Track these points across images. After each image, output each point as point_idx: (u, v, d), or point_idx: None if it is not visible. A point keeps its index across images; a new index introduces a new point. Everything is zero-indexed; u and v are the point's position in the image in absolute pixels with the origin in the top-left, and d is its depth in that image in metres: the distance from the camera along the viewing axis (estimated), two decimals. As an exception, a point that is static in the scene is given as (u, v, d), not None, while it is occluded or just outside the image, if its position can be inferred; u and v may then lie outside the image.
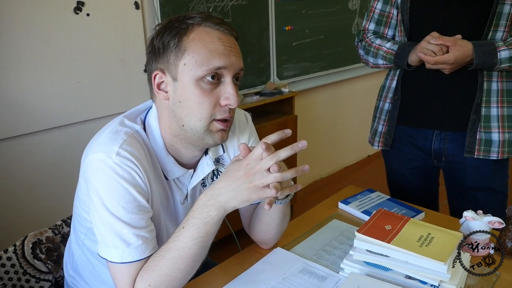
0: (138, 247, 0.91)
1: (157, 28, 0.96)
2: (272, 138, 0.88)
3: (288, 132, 0.88)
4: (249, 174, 0.87)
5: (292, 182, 1.01)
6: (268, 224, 1.10)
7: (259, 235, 1.15)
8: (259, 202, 1.12)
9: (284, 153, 0.86)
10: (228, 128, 0.98)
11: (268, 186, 0.87)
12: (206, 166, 1.06)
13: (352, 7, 3.34)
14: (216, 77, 0.92)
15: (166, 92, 0.95)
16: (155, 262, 0.92)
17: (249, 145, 0.93)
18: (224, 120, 0.95)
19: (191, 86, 0.91)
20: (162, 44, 0.93)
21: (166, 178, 1.02)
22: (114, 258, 0.91)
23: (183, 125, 0.95)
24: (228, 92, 0.93)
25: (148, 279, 0.91)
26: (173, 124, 0.97)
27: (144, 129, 0.99)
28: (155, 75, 0.95)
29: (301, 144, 0.86)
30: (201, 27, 0.92)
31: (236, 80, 0.96)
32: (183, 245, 0.91)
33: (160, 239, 0.99)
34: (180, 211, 1.06)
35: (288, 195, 1.03)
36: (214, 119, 0.94)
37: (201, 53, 0.90)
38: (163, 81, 0.95)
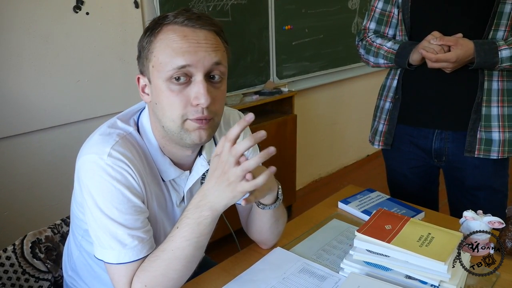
0: (134, 248, 0.91)
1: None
2: (234, 131, 0.83)
3: (249, 118, 0.82)
4: (225, 172, 0.84)
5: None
6: (261, 226, 1.10)
7: (255, 235, 1.15)
8: None
9: (243, 145, 0.82)
10: (208, 127, 0.93)
11: (244, 179, 0.84)
12: (200, 166, 1.05)
13: (352, 7, 3.33)
14: (185, 77, 0.89)
15: (148, 94, 0.95)
16: (150, 263, 0.92)
17: None
18: (200, 119, 0.91)
19: (162, 88, 0.90)
20: (139, 47, 0.94)
21: (163, 180, 1.02)
22: (111, 259, 0.91)
23: (163, 126, 0.94)
24: (196, 91, 0.89)
25: (144, 279, 0.91)
26: (158, 126, 0.96)
27: (138, 130, 0.99)
28: (138, 78, 0.96)
29: (260, 134, 0.82)
30: (169, 26, 0.90)
31: (212, 78, 0.92)
32: (177, 245, 0.90)
33: (158, 240, 0.99)
34: (177, 213, 1.06)
35: (277, 200, 1.03)
36: (187, 119, 0.91)
37: (165, 53, 0.88)
38: (145, 84, 0.95)
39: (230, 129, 0.84)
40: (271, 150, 0.81)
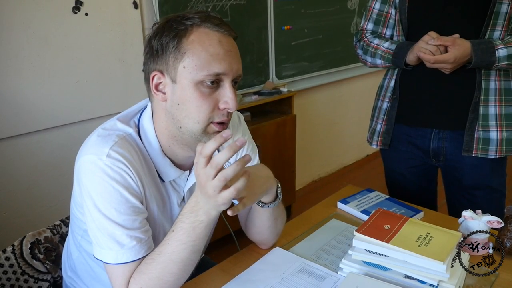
0: (132, 248, 0.91)
1: (155, 27, 0.94)
2: (209, 147, 0.82)
3: (226, 135, 0.81)
4: (203, 186, 0.84)
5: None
6: (260, 226, 1.10)
7: (254, 236, 1.15)
8: None
9: (222, 156, 0.81)
10: (225, 129, 0.97)
11: (223, 190, 0.83)
12: None
13: (351, 7, 3.34)
14: (215, 81, 0.91)
15: (164, 93, 0.94)
16: (146, 265, 0.92)
17: None
18: (221, 123, 0.94)
19: (190, 89, 0.91)
20: (160, 45, 0.91)
21: (163, 181, 1.02)
22: (109, 259, 0.91)
23: (180, 127, 0.94)
24: (227, 96, 0.92)
25: (140, 281, 0.91)
26: (170, 125, 0.96)
27: (139, 132, 0.99)
28: (154, 76, 0.94)
29: (239, 142, 0.81)
30: (201, 28, 0.91)
31: (234, 83, 0.95)
32: (173, 249, 0.90)
33: (157, 240, 0.99)
34: (177, 213, 1.06)
35: (276, 198, 1.04)
36: (211, 122, 0.93)
37: (201, 56, 0.89)
38: (161, 82, 0.94)
39: (206, 144, 0.83)
40: (247, 158, 0.83)
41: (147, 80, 0.96)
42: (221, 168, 0.82)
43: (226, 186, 0.83)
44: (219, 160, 0.81)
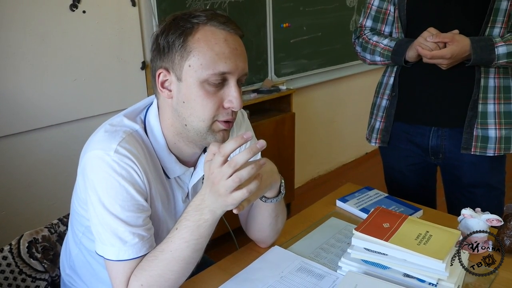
0: (134, 245, 0.91)
1: (162, 25, 0.94)
2: (229, 146, 0.83)
3: (247, 136, 0.82)
4: (215, 183, 0.84)
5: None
6: (261, 223, 1.10)
7: (254, 234, 1.15)
8: None
9: (242, 157, 0.81)
10: (230, 128, 0.97)
11: (235, 190, 0.83)
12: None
13: (350, 4, 3.33)
14: (221, 80, 0.91)
15: (170, 90, 0.94)
16: (148, 262, 0.92)
17: None
18: (226, 121, 0.95)
19: (195, 87, 0.91)
20: (167, 43, 0.91)
21: (167, 177, 1.02)
22: (111, 255, 0.91)
23: (185, 125, 0.95)
24: (231, 95, 0.92)
25: (141, 278, 0.91)
26: (175, 123, 0.96)
27: (145, 128, 0.99)
28: (160, 73, 0.94)
29: (259, 145, 0.82)
30: (207, 27, 0.90)
31: (240, 82, 0.95)
32: (176, 247, 0.90)
33: (160, 237, 0.99)
34: (181, 209, 1.06)
35: (279, 193, 1.04)
36: (216, 120, 0.94)
37: (207, 55, 0.89)
38: (167, 79, 0.94)
39: (225, 144, 0.84)
40: (262, 162, 0.84)
41: (153, 77, 0.96)
42: (237, 168, 0.82)
43: (238, 187, 0.83)
44: (238, 160, 0.82)
